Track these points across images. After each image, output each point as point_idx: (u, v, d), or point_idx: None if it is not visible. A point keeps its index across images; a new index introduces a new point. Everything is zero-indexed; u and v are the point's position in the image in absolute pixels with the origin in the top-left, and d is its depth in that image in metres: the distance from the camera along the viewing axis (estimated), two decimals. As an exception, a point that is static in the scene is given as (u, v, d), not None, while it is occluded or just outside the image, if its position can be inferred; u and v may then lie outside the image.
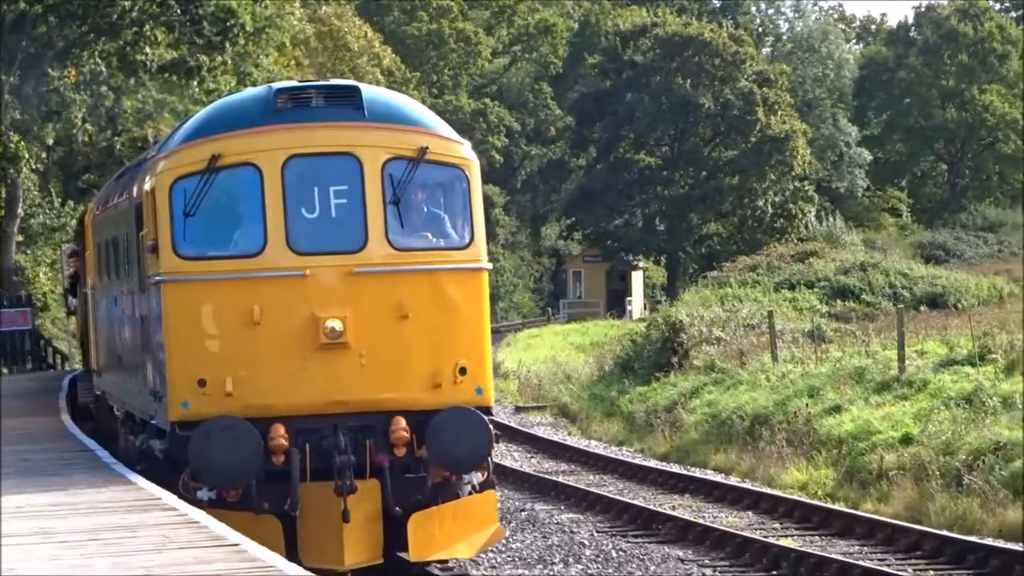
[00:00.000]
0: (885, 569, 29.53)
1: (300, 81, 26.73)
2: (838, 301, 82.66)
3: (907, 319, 58.02)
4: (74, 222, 64.08)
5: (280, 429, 21.74)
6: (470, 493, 23.18)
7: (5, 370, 65.41)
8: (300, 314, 22.39)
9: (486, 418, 23.22)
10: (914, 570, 29.73)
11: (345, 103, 23.39)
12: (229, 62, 76.30)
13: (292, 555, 20.65)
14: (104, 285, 36.26)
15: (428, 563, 23.77)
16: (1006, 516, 33.72)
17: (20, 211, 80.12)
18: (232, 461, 21.42)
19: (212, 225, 22.73)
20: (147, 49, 77.21)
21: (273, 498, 21.40)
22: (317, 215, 22.76)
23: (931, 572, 29.45)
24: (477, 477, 23.26)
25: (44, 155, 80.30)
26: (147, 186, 24.02)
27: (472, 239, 23.43)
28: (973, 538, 32.10)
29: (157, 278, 23.12)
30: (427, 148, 22.91)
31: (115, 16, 73.57)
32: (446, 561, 23.87)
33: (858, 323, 71.93)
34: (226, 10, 77.20)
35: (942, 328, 61.78)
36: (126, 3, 73.59)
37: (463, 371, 22.76)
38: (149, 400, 25.17)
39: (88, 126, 78.52)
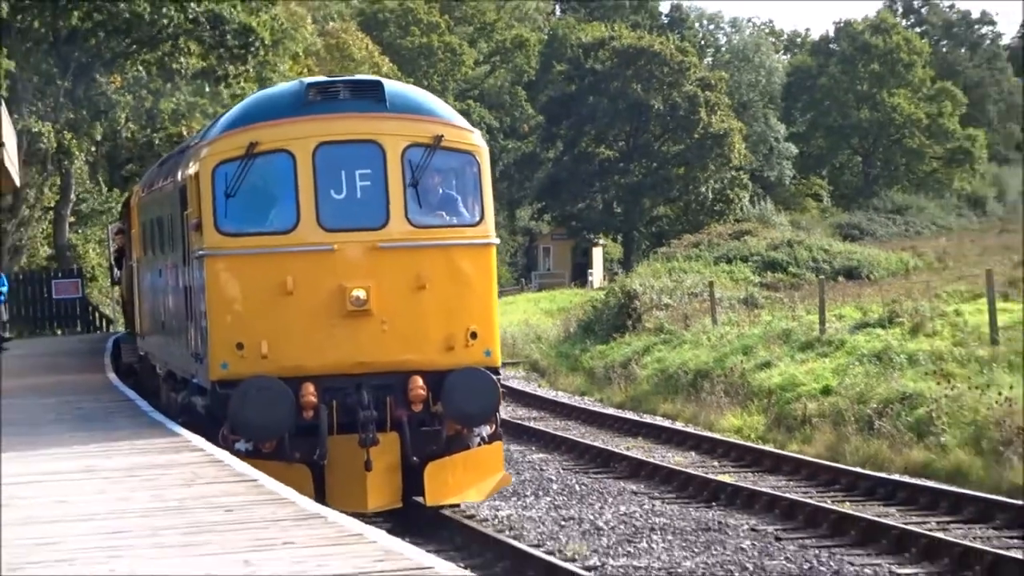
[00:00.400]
0: (808, 501, 29.57)
1: (328, 76, 25.72)
2: (768, 273, 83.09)
3: (827, 288, 58.01)
4: (119, 206, 63.86)
5: (310, 387, 21.46)
6: (479, 444, 23.03)
7: (59, 331, 65.30)
8: (328, 285, 22.03)
9: (495, 377, 22.92)
10: (832, 501, 29.70)
11: (369, 96, 23.09)
12: (251, 70, 76.16)
13: (320, 500, 20.21)
14: (148, 259, 35.57)
15: (442, 507, 23.40)
16: (910, 455, 33.83)
17: (73, 196, 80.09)
18: (267, 416, 21.25)
19: (250, 205, 22.51)
20: (181, 59, 77.40)
21: (303, 449, 21.27)
22: (344, 196, 22.41)
23: (847, 503, 29.40)
24: (486, 430, 23.04)
25: (93, 149, 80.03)
26: (191, 170, 23.66)
27: (482, 217, 23.37)
28: (883, 474, 32.15)
29: (201, 252, 22.80)
30: (442, 136, 22.72)
31: (154, 31, 74.29)
32: (457, 505, 23.48)
33: (785, 292, 72.02)
34: (247, 26, 77.57)
35: (857, 296, 61.80)
36: (163, 20, 74.03)
37: (474, 335, 22.51)
38: (191, 361, 24.82)
39: (131, 124, 78.50)
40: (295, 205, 22.23)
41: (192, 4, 76.64)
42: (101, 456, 24.52)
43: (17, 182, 52.02)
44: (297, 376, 21.54)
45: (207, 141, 23.57)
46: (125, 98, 78.30)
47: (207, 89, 77.80)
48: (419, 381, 22.04)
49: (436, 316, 22.66)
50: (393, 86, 23.99)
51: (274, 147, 22.18)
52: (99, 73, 76.23)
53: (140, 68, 77.77)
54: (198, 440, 26.20)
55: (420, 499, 22.91)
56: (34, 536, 17.31)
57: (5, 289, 56.96)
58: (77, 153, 76.69)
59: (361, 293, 21.95)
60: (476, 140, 23.54)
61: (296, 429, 21.62)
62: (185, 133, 62.19)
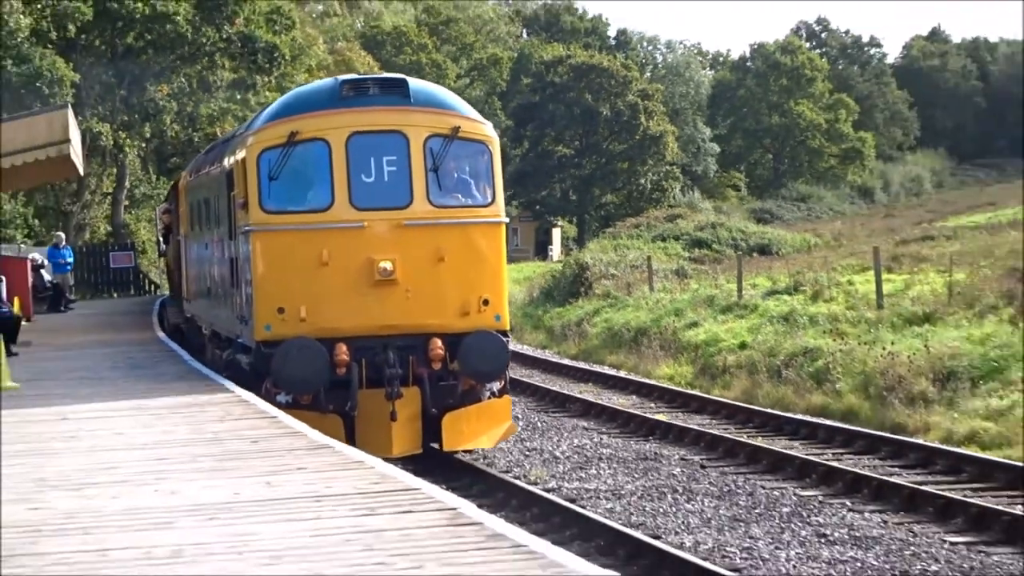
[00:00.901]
0: (728, 436, 29.89)
1: (357, 75, 25.34)
2: (695, 249, 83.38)
3: (743, 262, 58.18)
4: (165, 191, 63.28)
5: (343, 347, 21.08)
6: (490, 398, 22.56)
7: (115, 295, 65.18)
8: (359, 257, 21.64)
9: (504, 340, 22.71)
10: (748, 436, 29.93)
11: (395, 91, 22.69)
12: (273, 80, 76.24)
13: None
14: (195, 234, 34.80)
15: (456, 452, 23.40)
16: (811, 399, 34.12)
17: (126, 184, 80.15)
18: (305, 372, 20.91)
19: (290, 187, 22.13)
20: (217, 72, 77.65)
21: (336, 401, 21.01)
22: (373, 179, 21.94)
23: (759, 438, 29.58)
24: (496, 385, 22.62)
25: (143, 145, 79.96)
26: (239, 156, 23.15)
27: (493, 199, 23.02)
28: (788, 414, 32.39)
29: (247, 228, 22.42)
30: (459, 127, 22.35)
31: (195, 49, 74.97)
32: (471, 451, 23.36)
33: (709, 265, 72.07)
34: (272, 44, 77.67)
35: (768, 268, 61.87)
36: (202, 40, 74.19)
37: (486, 302, 22.18)
38: (236, 323, 24.48)
39: (174, 125, 78.45)
40: (330, 187, 21.89)
41: (226, 26, 76.81)
42: (149, 397, 24.46)
43: (81, 172, 51.77)
44: (331, 337, 21.16)
45: (252, 131, 23.04)
46: (170, 104, 78.22)
47: (238, 96, 77.95)
48: (438, 342, 21.64)
49: (453, 285, 22.20)
50: (416, 83, 23.46)
51: (312, 136, 21.74)
52: (149, 83, 76.10)
53: (183, 79, 77.74)
54: (230, 384, 26.17)
55: (436, 446, 22.75)
56: (97, 462, 17.27)
57: (71, 259, 57.00)
58: (130, 149, 77.02)
59: (388, 265, 21.57)
60: (488, 131, 23.18)
61: (330, 384, 21.25)
62: (219, 133, 61.98)
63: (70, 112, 45.82)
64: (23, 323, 37.23)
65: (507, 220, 23.59)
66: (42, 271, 50.71)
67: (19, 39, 65.27)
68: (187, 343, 36.14)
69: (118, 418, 21.52)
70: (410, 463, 23.14)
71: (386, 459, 17.11)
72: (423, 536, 12.29)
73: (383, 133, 21.89)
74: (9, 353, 29.08)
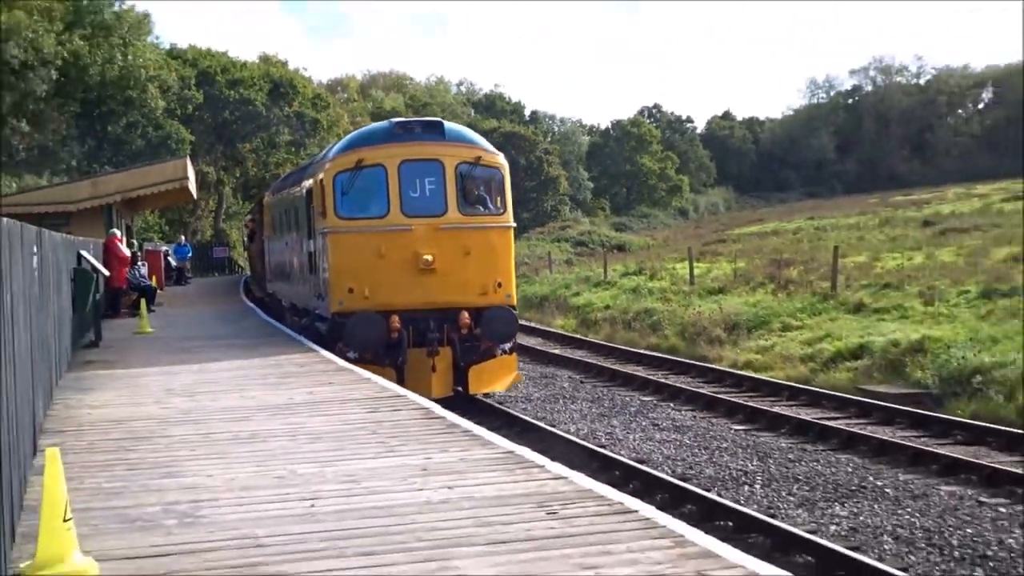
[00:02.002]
0: (597, 363, 29.59)
1: (406, 118, 23.87)
2: (578, 247, 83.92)
3: (608, 256, 58.03)
4: (247, 210, 62.86)
5: (395, 318, 19.86)
6: (502, 354, 21.00)
7: (216, 275, 64.89)
8: (407, 251, 20.24)
9: (515, 313, 21.30)
10: (610, 363, 29.65)
11: (434, 130, 21.25)
12: (316, 142, 76.02)
13: None
14: (275, 235, 32.26)
15: (478, 394, 21.84)
16: (650, 340, 33.86)
17: (224, 205, 79.95)
18: (369, 336, 19.74)
19: (357, 200, 20.61)
20: (280, 136, 77.45)
21: (391, 357, 19.81)
22: (418, 195, 20.51)
23: (617, 365, 29.35)
24: (508, 345, 21.01)
25: (234, 181, 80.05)
26: (317, 178, 21.62)
27: (505, 210, 21.47)
28: (635, 350, 32.04)
29: (325, 230, 20.92)
30: (480, 157, 21.16)
31: (267, 121, 74.56)
32: (488, 394, 21.96)
33: (587, 257, 72.08)
34: (315, 119, 77.93)
35: (623, 259, 61.68)
36: (271, 115, 74.43)
37: (499, 285, 20.84)
38: (313, 299, 23.04)
39: (253, 168, 78.69)
40: (387, 200, 20.45)
41: (286, 107, 77.05)
42: (236, 337, 24.32)
43: (195, 197, 52.30)
44: (387, 310, 19.98)
45: (329, 159, 21.59)
46: (251, 155, 78.39)
47: (293, 150, 77.61)
48: (466, 314, 20.36)
49: (476, 272, 20.67)
50: (449, 124, 22.21)
51: (373, 162, 20.53)
52: (237, 142, 76.21)
53: (259, 140, 77.61)
54: (286, 329, 26.12)
55: (461, 389, 21.42)
56: (202, 378, 17.16)
57: (190, 253, 57.06)
58: (226, 183, 77.80)
59: (429, 257, 20.24)
60: (501, 160, 21.88)
61: (386, 345, 19.99)
62: (280, 174, 61.64)
63: (188, 160, 45.90)
64: (158, 291, 37.19)
65: (515, 225, 22.25)
66: (169, 259, 50.56)
67: (157, 115, 65.48)
68: (267, 309, 34.43)
69: (215, 350, 21.43)
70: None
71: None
72: (407, 425, 12.29)
73: (425, 161, 20.69)
74: (149, 310, 29.14)
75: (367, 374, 17.00)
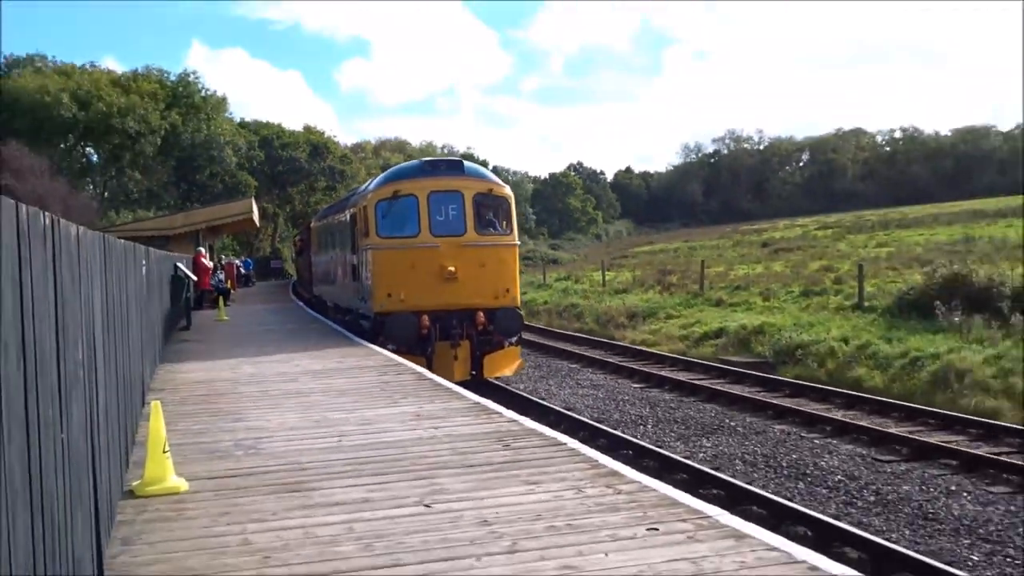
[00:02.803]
0: (539, 341, 29.40)
1: (433, 158, 21.57)
2: (525, 260, 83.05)
3: (546, 267, 57.90)
4: (295, 235, 62.28)
5: (425, 318, 17.78)
6: (508, 346, 18.87)
7: (272, 280, 64.55)
8: (435, 264, 18.04)
9: (520, 313, 19.16)
10: (547, 341, 29.55)
11: (456, 167, 19.07)
12: (341, 187, 75.58)
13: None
14: (321, 251, 29.67)
15: (490, 378, 19.38)
16: (575, 324, 33.83)
17: (278, 231, 79.34)
18: (405, 332, 17.62)
19: (394, 222, 18.31)
20: (318, 183, 77.09)
21: (422, 348, 17.74)
22: (443, 218, 18.29)
23: (552, 343, 29.27)
24: (514, 339, 18.91)
25: (285, 213, 79.41)
26: (361, 206, 19.35)
27: (511, 231, 19.04)
28: (566, 332, 31.95)
29: (368, 247, 18.65)
30: (491, 189, 18.87)
31: (308, 172, 73.77)
32: (499, 377, 19.62)
33: (530, 269, 71.26)
34: (342, 171, 77.56)
35: (558, 270, 61.56)
36: (311, 168, 73.85)
37: (507, 291, 18.59)
38: (357, 301, 20.58)
39: (299, 205, 77.95)
40: (418, 223, 18.21)
41: (322, 162, 76.65)
42: (286, 324, 24.12)
43: (257, 225, 51.70)
44: (418, 311, 17.88)
45: (370, 191, 19.28)
46: (297, 196, 77.89)
47: (327, 192, 77.14)
48: (481, 314, 18.27)
49: (489, 281, 18.43)
50: (468, 163, 19.89)
51: (407, 193, 18.35)
52: (287, 187, 75.81)
53: (303, 185, 77.23)
54: (322, 318, 25.88)
55: (475, 373, 19.20)
56: (261, 350, 16.98)
57: (252, 265, 56.54)
58: (279, 215, 76.58)
59: (452, 268, 18.03)
60: (508, 192, 19.47)
61: (418, 338, 17.91)
62: (319, 210, 61.46)
63: (252, 200, 45.65)
64: (232, 292, 36.91)
65: (519, 243, 19.81)
66: (240, 268, 50.11)
67: (231, 168, 65.42)
68: (313, 306, 32.05)
69: (271, 332, 21.27)
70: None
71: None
72: (406, 385, 12.21)
73: (449, 192, 18.48)
74: (226, 304, 29.04)
75: (378, 349, 16.86)
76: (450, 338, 18.26)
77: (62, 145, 61.60)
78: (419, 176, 18.73)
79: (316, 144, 78.36)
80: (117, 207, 62.29)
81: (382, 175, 20.10)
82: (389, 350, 16.57)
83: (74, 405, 4.38)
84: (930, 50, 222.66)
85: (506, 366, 19.31)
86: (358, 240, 19.79)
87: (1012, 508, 10.34)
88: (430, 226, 18.30)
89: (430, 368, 16.05)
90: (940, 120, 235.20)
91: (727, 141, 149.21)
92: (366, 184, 22.12)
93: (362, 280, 19.58)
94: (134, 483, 7.10)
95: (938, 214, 62.92)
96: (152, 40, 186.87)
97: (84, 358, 4.87)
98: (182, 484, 7.02)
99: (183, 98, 65.71)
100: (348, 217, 21.64)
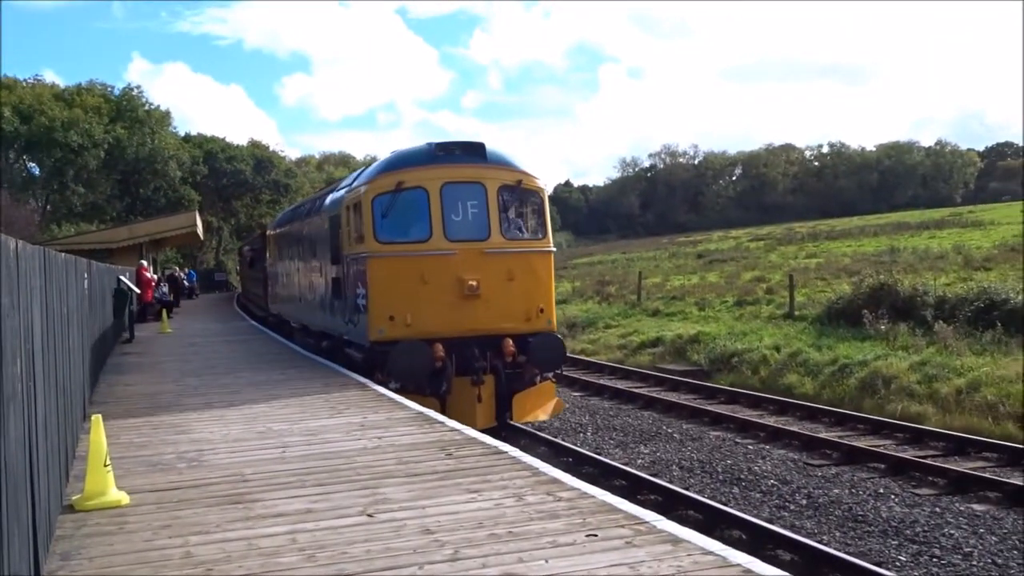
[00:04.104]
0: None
1: (446, 140, 15.66)
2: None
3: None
4: (241, 245, 61.51)
5: (439, 346, 13.68)
6: (539, 382, 14.74)
7: (217, 292, 63.60)
8: (451, 277, 14.07)
9: (561, 339, 15.16)
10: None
11: (475, 152, 14.82)
12: (287, 200, 74.96)
13: None
14: (282, 262, 24.88)
15: (521, 423, 15.41)
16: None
17: (222, 243, 78.47)
18: (415, 366, 13.51)
19: (397, 223, 14.34)
20: (262, 196, 76.37)
21: (434, 386, 13.69)
22: (460, 218, 14.39)
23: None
24: (550, 374, 14.96)
25: (230, 226, 78.54)
26: (350, 202, 15.17)
27: (545, 234, 15.11)
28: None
29: (363, 255, 14.39)
30: (521, 180, 14.74)
31: (253, 185, 73.05)
32: (531, 422, 15.63)
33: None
34: (287, 184, 77.03)
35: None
36: (256, 181, 73.19)
37: (541, 310, 14.66)
38: (340, 324, 16.17)
39: (243, 218, 77.17)
40: (429, 223, 14.25)
41: (267, 176, 76.06)
42: (229, 335, 23.78)
43: (201, 239, 51.03)
44: (430, 338, 13.87)
45: (364, 182, 14.99)
46: (242, 209, 77.15)
47: (271, 205, 76.43)
48: (510, 341, 14.30)
49: (519, 298, 14.53)
50: (490, 146, 15.37)
51: (414, 185, 14.33)
52: (232, 200, 75.15)
53: (247, 198, 76.58)
54: (266, 330, 25.55)
55: (501, 419, 15.31)
56: (207, 363, 16.70)
57: (194, 277, 55.74)
58: (223, 228, 75.86)
59: (474, 283, 14.07)
60: (541, 184, 15.37)
61: (430, 373, 13.92)
62: (265, 222, 60.88)
63: (196, 213, 45.10)
64: (175, 305, 36.36)
65: (555, 250, 15.67)
66: (183, 281, 49.37)
67: (175, 182, 64.75)
68: (270, 327, 27.37)
69: (215, 344, 20.96)
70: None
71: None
72: (349, 395, 12.11)
73: (467, 183, 14.60)
74: (169, 316, 28.58)
75: (323, 361, 16.65)
76: (471, 373, 14.16)
77: (4, 159, 60.34)
78: (429, 163, 14.70)
79: (261, 158, 77.73)
80: (60, 220, 61.29)
81: (378, 163, 15.63)
82: (391, 389, 12.99)
83: (11, 419, 4.26)
84: (853, 68, 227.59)
85: (539, 407, 15.16)
86: (343, 247, 15.82)
87: (937, 509, 10.53)
88: (444, 228, 14.36)
89: (443, 411, 12.76)
90: (864, 136, 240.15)
91: (663, 156, 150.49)
92: (352, 176, 17.37)
93: (348, 298, 15.49)
94: (74, 497, 6.93)
95: (864, 226, 64.13)
96: (92, 54, 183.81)
97: (23, 372, 4.75)
98: (123, 497, 6.87)
99: (127, 112, 64.77)
100: (325, 220, 17.63)
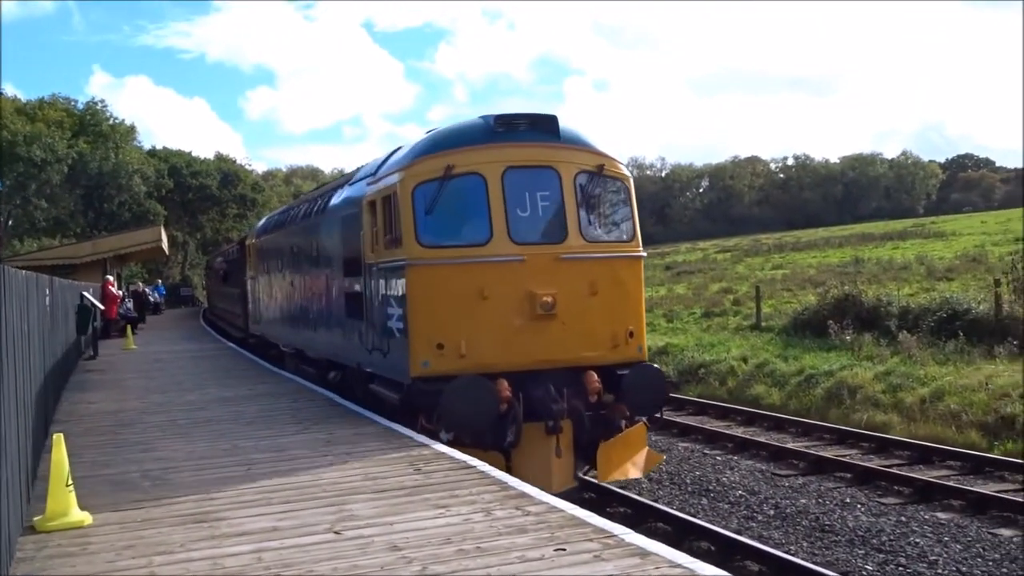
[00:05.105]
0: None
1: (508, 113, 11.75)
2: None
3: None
4: (211, 257, 60.86)
5: (504, 383, 10.34)
6: (626, 426, 11.20)
7: (183, 307, 62.94)
8: (519, 290, 10.72)
9: (664, 373, 11.78)
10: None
11: (545, 128, 11.34)
12: (253, 215, 74.47)
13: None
14: (271, 275, 20.93)
15: (609, 482, 11.91)
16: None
17: (189, 258, 77.87)
18: (478, 411, 10.13)
19: (445, 220, 10.93)
20: (229, 210, 75.87)
21: (497, 438, 10.42)
22: (528, 213, 11.01)
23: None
24: (643, 416, 11.44)
25: (196, 241, 77.93)
26: (379, 194, 11.71)
27: (634, 235, 11.71)
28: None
29: (400, 263, 10.87)
30: (603, 165, 11.37)
31: (219, 199, 72.63)
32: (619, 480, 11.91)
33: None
34: (253, 199, 76.62)
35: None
36: (222, 195, 72.88)
37: (631, 334, 11.32)
38: (358, 352, 12.72)
39: (209, 232, 76.63)
40: (488, 221, 10.80)
41: (234, 190, 75.66)
42: (196, 352, 23.53)
43: (167, 254, 50.77)
44: (491, 372, 10.48)
45: (397, 168, 11.42)
46: (208, 223, 76.74)
47: (238, 219, 75.97)
48: (595, 376, 10.86)
49: (603, 318, 11.15)
50: (563, 122, 11.68)
51: (468, 170, 10.89)
52: (198, 214, 74.68)
53: (214, 212, 76.19)
54: (233, 345, 25.32)
55: (583, 476, 12.24)
56: (172, 381, 16.52)
57: (163, 292, 55.22)
58: (190, 242, 75.34)
59: (549, 298, 10.71)
60: (626, 171, 11.95)
61: (496, 420, 10.46)
62: (233, 238, 60.39)
63: (162, 228, 44.78)
64: (140, 321, 36.01)
65: (645, 255, 12.12)
66: (150, 296, 48.90)
67: (140, 196, 64.36)
68: (252, 349, 23.99)
69: (181, 360, 20.74)
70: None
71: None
72: (317, 410, 11.97)
73: (536, 168, 11.17)
74: (133, 332, 28.29)
75: (288, 375, 16.49)
76: (544, 417, 10.58)
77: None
78: (486, 142, 11.17)
79: (227, 172, 77.35)
80: (22, 236, 60.65)
81: (415, 143, 11.80)
82: (443, 441, 9.82)
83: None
84: (817, 80, 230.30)
85: (628, 459, 11.43)
86: (364, 253, 12.36)
87: (903, 518, 10.62)
88: (508, 226, 10.87)
89: (508, 468, 9.84)
90: (828, 148, 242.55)
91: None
92: (372, 164, 13.53)
93: (373, 319, 12.00)
94: (35, 518, 6.82)
95: (829, 237, 64.77)
96: (52, 68, 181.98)
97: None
98: (86, 518, 6.77)
99: (91, 126, 64.25)
100: (335, 222, 14.26)
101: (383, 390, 11.43)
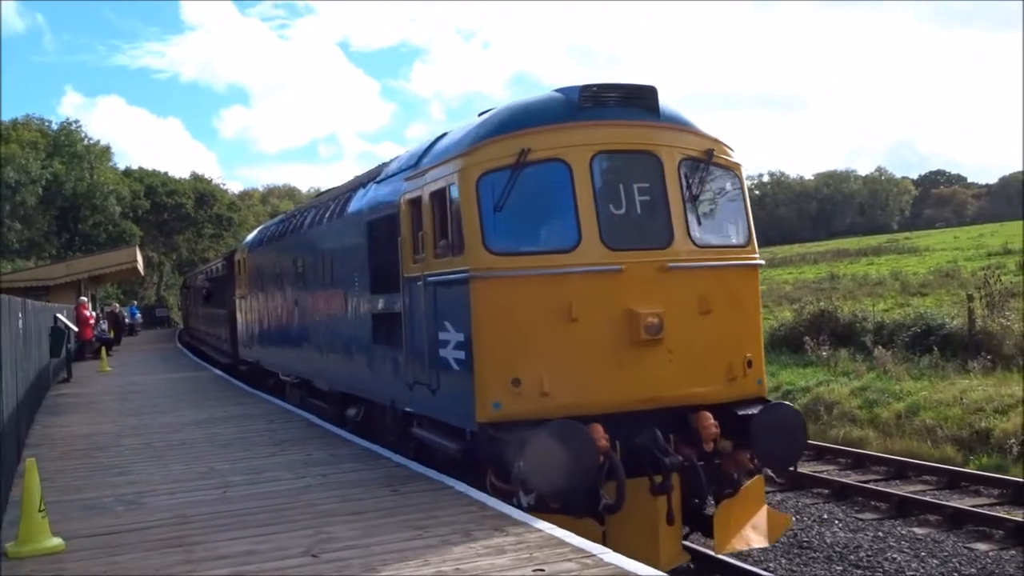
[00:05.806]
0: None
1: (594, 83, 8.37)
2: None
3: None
4: (190, 275, 60.52)
5: (600, 429, 7.35)
6: (745, 481, 8.41)
7: (158, 328, 62.57)
8: (617, 309, 7.80)
9: (800, 415, 8.43)
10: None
11: (642, 104, 8.36)
12: (230, 235, 74.17)
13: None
14: (268, 293, 17.82)
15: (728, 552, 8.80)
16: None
17: (164, 279, 77.40)
18: (573, 466, 7.07)
19: (519, 221, 7.96)
20: (205, 230, 75.46)
21: (591, 500, 7.38)
22: (624, 211, 8.04)
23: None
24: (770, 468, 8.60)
25: (171, 261, 77.45)
26: (428, 192, 8.74)
27: (749, 238, 8.81)
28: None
29: (463, 274, 7.84)
30: (712, 151, 8.49)
31: (195, 219, 72.26)
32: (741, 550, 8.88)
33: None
34: (230, 218, 76.33)
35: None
36: (197, 215, 72.51)
37: (749, 364, 8.44)
38: (394, 386, 9.89)
39: (185, 253, 76.17)
40: (575, 220, 7.87)
41: (210, 210, 75.39)
42: (172, 373, 23.35)
43: (142, 274, 50.41)
44: (582, 416, 7.48)
45: (456, 154, 8.35)
46: (184, 244, 76.32)
47: (214, 240, 75.60)
48: (710, 417, 8.07)
49: (718, 343, 8.28)
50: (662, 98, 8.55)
51: (547, 155, 7.95)
52: (173, 234, 74.39)
53: (189, 232, 75.79)
54: (208, 365, 25.11)
55: (695, 547, 9.41)
56: (147, 403, 16.39)
57: (138, 314, 54.85)
58: (166, 263, 74.87)
59: (655, 320, 7.85)
60: (736, 157, 8.91)
61: (592, 477, 7.31)
62: (210, 258, 60.10)
63: (137, 249, 44.56)
64: (115, 342, 35.71)
65: (763, 263, 9.08)
66: (125, 319, 48.52)
67: (115, 217, 64.11)
68: (242, 376, 21.60)
69: (157, 383, 20.57)
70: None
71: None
72: (294, 432, 11.90)
73: (633, 153, 8.35)
74: (108, 354, 28.11)
75: (263, 394, 16.39)
76: (654, 472, 7.97)
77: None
78: (570, 119, 8.32)
79: (203, 192, 77.03)
80: (-5, 258, 60.11)
81: (477, 122, 8.84)
82: (522, 506, 7.38)
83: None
84: (789, 98, 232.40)
85: (746, 521, 8.66)
86: (404, 264, 9.51)
87: (880, 534, 10.65)
88: (600, 227, 8.09)
89: (604, 540, 7.16)
90: (803, 165, 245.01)
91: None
92: (423, 147, 10.06)
93: (418, 346, 9.18)
94: (8, 544, 6.74)
95: (805, 254, 65.19)
96: (23, 88, 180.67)
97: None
98: (59, 544, 6.69)
99: (65, 147, 63.91)
100: (358, 228, 11.46)
101: (435, 437, 8.83)
